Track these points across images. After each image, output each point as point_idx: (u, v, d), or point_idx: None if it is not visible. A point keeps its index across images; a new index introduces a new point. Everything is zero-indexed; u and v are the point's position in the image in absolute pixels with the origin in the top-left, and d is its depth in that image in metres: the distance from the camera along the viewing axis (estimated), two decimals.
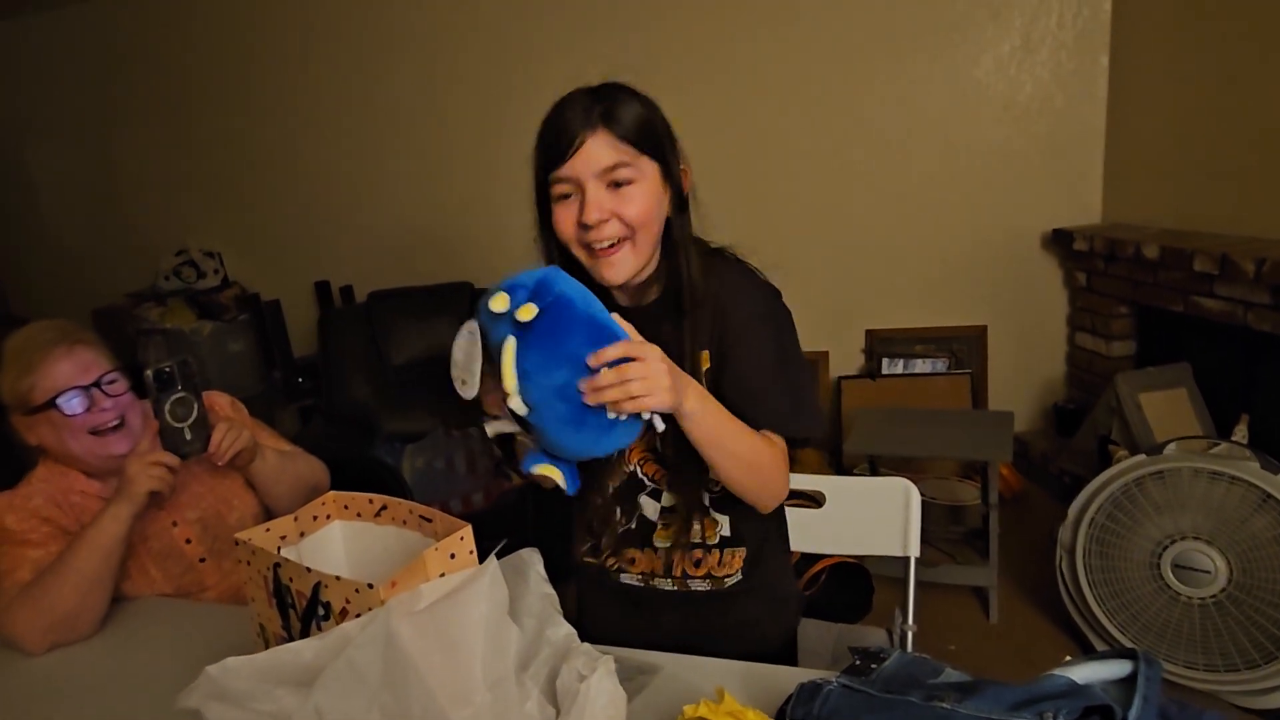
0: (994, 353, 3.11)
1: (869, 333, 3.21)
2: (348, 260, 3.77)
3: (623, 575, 1.14)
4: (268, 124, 3.76)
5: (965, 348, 3.12)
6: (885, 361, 3.16)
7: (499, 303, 0.81)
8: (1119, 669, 0.74)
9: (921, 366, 3.14)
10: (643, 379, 0.81)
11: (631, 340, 0.84)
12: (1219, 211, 2.43)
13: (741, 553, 1.10)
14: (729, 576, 1.10)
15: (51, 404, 1.25)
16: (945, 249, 3.07)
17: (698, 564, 1.10)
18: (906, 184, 3.05)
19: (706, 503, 1.07)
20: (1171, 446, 1.96)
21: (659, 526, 1.10)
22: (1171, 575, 1.88)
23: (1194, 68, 2.48)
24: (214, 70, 3.77)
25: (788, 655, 1.19)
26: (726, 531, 1.09)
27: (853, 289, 3.19)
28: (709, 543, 1.09)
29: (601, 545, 1.13)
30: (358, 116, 3.61)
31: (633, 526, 1.10)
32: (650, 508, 1.10)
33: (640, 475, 1.08)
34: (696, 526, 1.07)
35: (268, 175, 3.84)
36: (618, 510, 1.11)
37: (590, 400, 0.82)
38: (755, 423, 0.98)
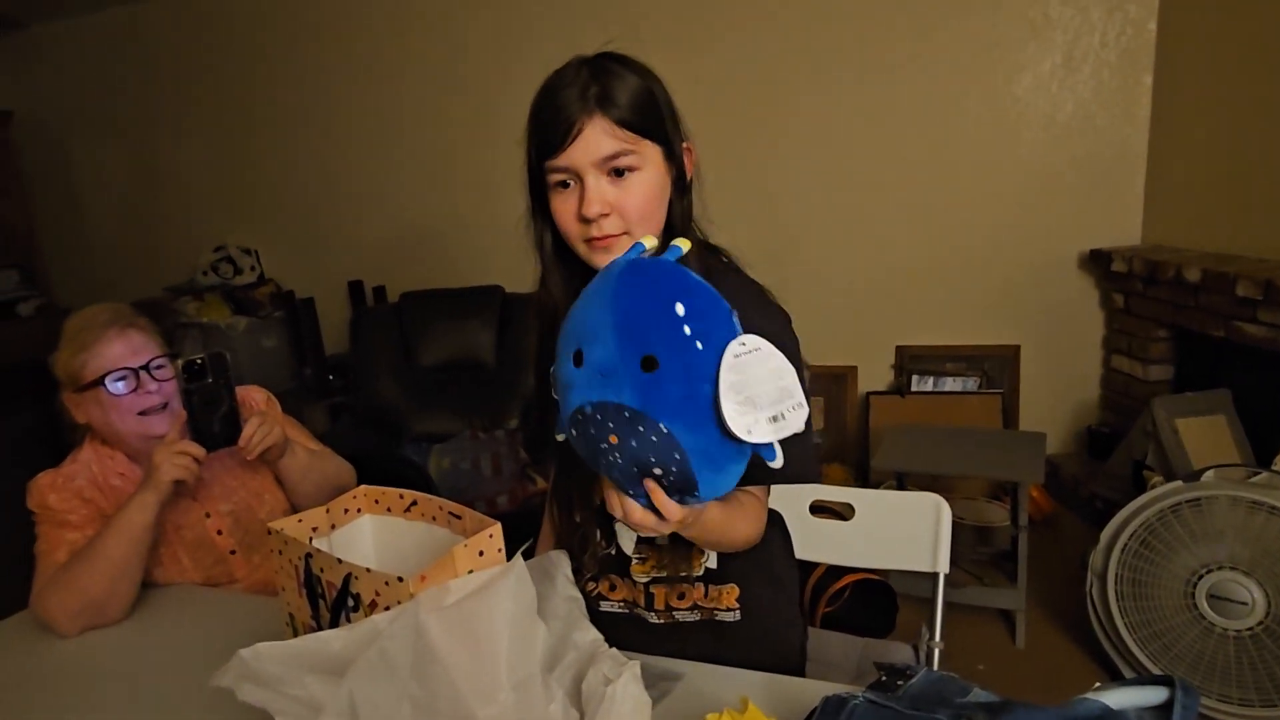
0: (1026, 373, 3.07)
1: (899, 349, 3.19)
2: (381, 260, 3.82)
3: (603, 603, 1.06)
4: (307, 125, 3.83)
5: (997, 367, 3.08)
6: (915, 378, 3.13)
7: None
8: (1154, 696, 0.72)
9: (952, 385, 3.10)
10: (639, 526, 0.76)
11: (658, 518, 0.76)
12: (1264, 235, 2.38)
13: (733, 590, 1.03)
14: (720, 610, 1.03)
15: (100, 383, 1.28)
16: (980, 267, 3.04)
17: (682, 596, 1.03)
18: (942, 200, 3.03)
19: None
20: (1209, 474, 1.92)
21: (634, 560, 1.02)
22: (1207, 606, 1.83)
23: (1240, 88, 2.44)
24: (254, 72, 3.85)
25: None
26: (713, 564, 1.01)
27: (884, 304, 3.17)
28: (693, 575, 1.01)
29: (582, 568, 1.04)
30: (395, 120, 3.66)
31: (612, 552, 1.03)
32: (626, 537, 1.02)
33: None
34: (675, 559, 1.00)
35: (305, 175, 3.91)
36: (597, 531, 1.03)
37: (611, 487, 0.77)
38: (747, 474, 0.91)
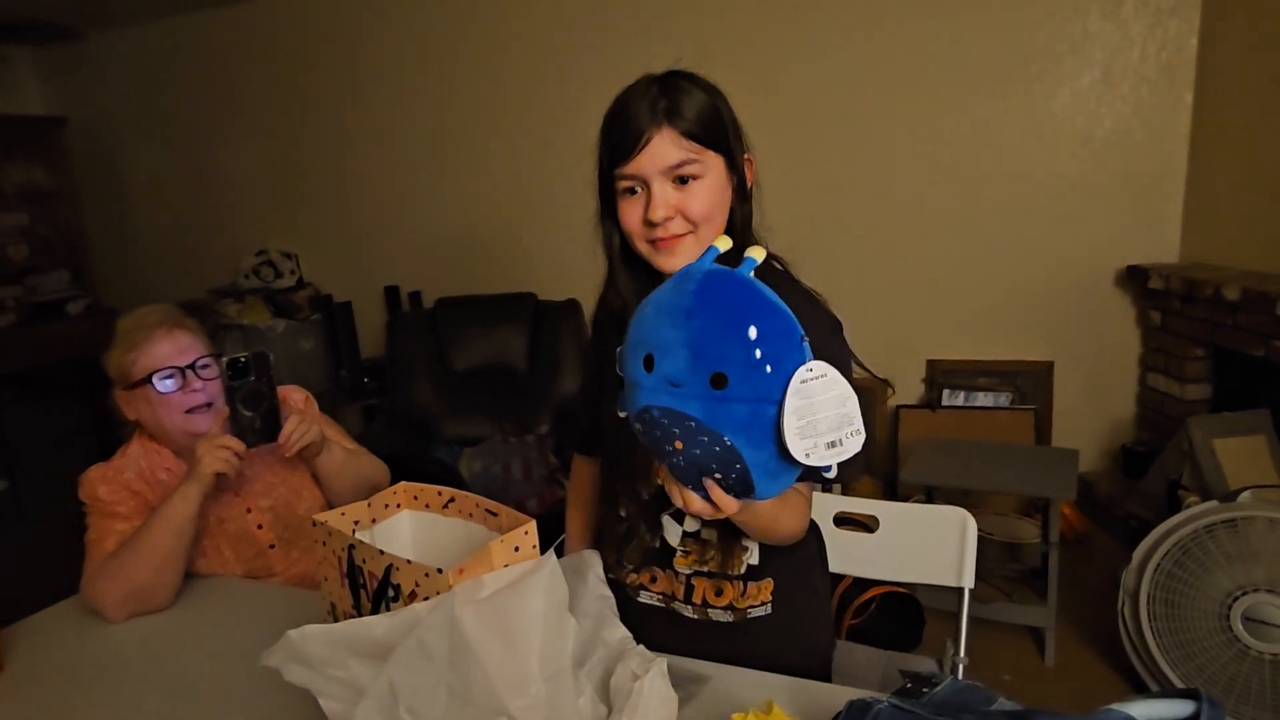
0: (1060, 390, 3.04)
1: (931, 363, 3.17)
2: (418, 266, 3.89)
3: (642, 594, 1.10)
4: (349, 134, 3.91)
5: (1030, 383, 3.05)
6: (946, 393, 3.11)
7: None
8: (1180, 709, 0.73)
9: (983, 400, 3.08)
10: (698, 514, 0.80)
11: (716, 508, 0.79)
12: None
13: (769, 585, 1.06)
14: (753, 608, 1.06)
15: (148, 381, 1.33)
16: (1014, 282, 3.02)
17: (719, 593, 1.06)
18: (978, 214, 3.02)
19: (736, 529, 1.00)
20: (1246, 495, 1.90)
21: (678, 553, 1.06)
22: (1241, 628, 1.81)
23: None
24: (298, 82, 3.95)
25: None
26: (755, 560, 1.05)
27: (917, 318, 3.16)
28: (733, 573, 1.05)
29: (624, 559, 1.09)
30: (435, 131, 3.73)
31: (655, 545, 1.07)
32: (672, 530, 1.05)
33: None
34: (720, 555, 1.04)
35: (346, 183, 3.99)
36: (643, 525, 1.07)
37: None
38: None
